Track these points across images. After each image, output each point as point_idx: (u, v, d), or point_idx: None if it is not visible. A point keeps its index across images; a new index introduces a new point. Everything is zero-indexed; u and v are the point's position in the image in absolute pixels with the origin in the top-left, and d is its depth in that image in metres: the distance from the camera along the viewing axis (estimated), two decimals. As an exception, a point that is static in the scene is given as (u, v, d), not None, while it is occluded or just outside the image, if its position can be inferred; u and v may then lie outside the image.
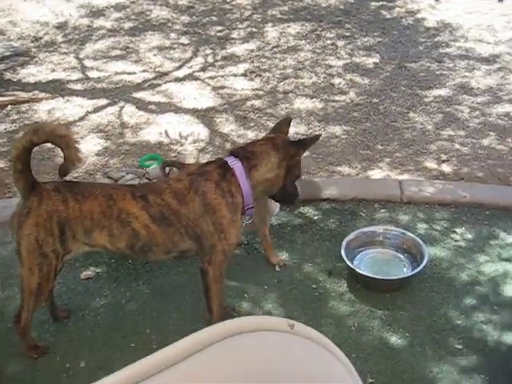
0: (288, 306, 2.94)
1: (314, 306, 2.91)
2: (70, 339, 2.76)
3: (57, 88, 5.61)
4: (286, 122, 2.79)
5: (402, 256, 3.16)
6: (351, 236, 3.14)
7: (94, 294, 3.05)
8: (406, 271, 3.08)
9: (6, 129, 4.88)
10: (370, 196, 3.72)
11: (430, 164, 4.25)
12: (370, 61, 6.00)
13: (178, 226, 2.43)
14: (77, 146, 2.37)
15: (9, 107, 5.22)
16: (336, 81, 5.59)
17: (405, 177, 4.05)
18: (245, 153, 2.55)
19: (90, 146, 4.57)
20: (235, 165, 2.48)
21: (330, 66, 5.91)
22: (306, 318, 2.85)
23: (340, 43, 6.42)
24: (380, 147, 4.49)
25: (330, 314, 2.88)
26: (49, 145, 2.66)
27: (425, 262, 2.98)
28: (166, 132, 4.72)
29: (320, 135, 2.75)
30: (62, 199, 2.37)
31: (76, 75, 5.93)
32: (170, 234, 2.45)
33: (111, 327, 2.79)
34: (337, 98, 5.30)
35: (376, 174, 4.11)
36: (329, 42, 6.48)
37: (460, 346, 2.68)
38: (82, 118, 5.03)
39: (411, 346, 2.69)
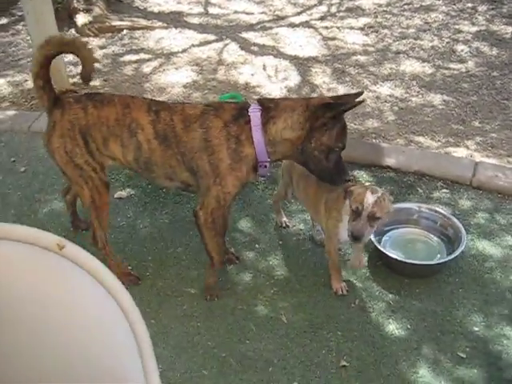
0: (296, 264, 2.79)
1: (323, 271, 2.72)
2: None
3: (174, 19, 5.75)
4: (354, 95, 2.38)
5: (436, 240, 2.82)
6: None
7: (118, 213, 3.14)
8: (438, 258, 2.73)
9: (114, 51, 5.12)
10: (436, 172, 3.34)
11: (530, 152, 3.68)
12: (509, 30, 5.30)
13: (176, 150, 2.34)
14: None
15: (124, 31, 5.46)
16: (459, 47, 5.04)
17: (489, 160, 3.56)
18: (268, 102, 2.34)
19: (180, 78, 4.64)
20: (253, 113, 2.29)
21: (459, 31, 5.32)
22: (308, 281, 2.69)
23: (481, 8, 5.74)
24: (477, 124, 3.99)
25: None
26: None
27: (458, 251, 2.63)
28: (264, 66, 4.68)
29: (359, 102, 2.26)
30: (82, 107, 2.40)
31: (197, 9, 6.02)
32: (168, 156, 2.36)
33: (117, 247, 2.85)
34: (452, 65, 4.78)
35: (458, 151, 3.67)
36: (469, 4, 5.83)
37: (463, 355, 2.35)
38: (184, 50, 5.11)
39: (407, 340, 2.42)
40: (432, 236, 2.85)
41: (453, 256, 2.61)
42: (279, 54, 5.00)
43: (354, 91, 4.35)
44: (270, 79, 4.59)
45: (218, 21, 5.72)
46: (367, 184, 2.77)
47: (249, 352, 2.38)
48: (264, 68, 4.70)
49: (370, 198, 2.25)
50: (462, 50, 5.00)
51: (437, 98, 4.31)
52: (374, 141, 3.79)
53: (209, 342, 2.43)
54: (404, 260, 2.66)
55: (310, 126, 2.26)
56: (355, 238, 2.29)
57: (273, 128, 2.28)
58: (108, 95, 2.47)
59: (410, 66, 4.78)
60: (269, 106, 2.30)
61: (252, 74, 4.68)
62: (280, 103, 2.32)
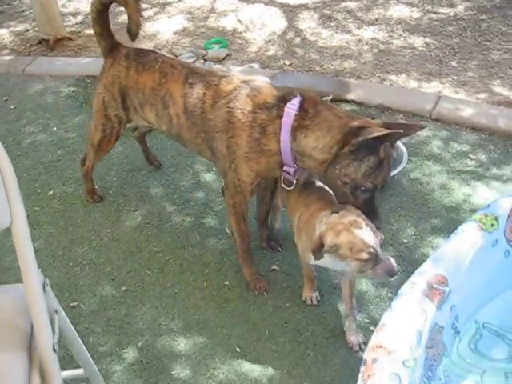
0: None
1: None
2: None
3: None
4: (411, 128, 2.06)
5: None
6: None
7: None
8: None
9: (113, 1, 5.32)
10: (398, 105, 3.45)
11: (499, 89, 3.73)
12: (506, -25, 5.22)
13: (200, 128, 2.22)
14: (136, 3, 2.41)
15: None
16: (453, -9, 5.01)
17: (460, 96, 3.63)
18: (310, 105, 2.01)
19: (172, 25, 4.82)
20: (289, 109, 2.00)
21: (457, -24, 5.28)
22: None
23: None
24: (454, 64, 4.04)
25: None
26: None
27: (396, 171, 2.76)
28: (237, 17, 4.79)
29: (400, 133, 1.90)
30: (126, 66, 2.44)
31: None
32: (193, 132, 2.27)
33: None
34: (441, 10, 4.78)
35: (429, 88, 3.74)
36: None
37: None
38: (179, 0, 5.26)
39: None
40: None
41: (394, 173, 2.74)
42: (270, 2, 5.09)
43: (339, 36, 4.48)
44: (257, 25, 4.71)
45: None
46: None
47: (190, 257, 2.60)
48: (249, 21, 4.81)
49: (368, 235, 1.84)
50: (454, -5, 4.98)
51: (418, 41, 4.35)
52: (346, 79, 3.89)
53: (155, 247, 2.66)
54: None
55: (338, 150, 1.93)
56: (394, 274, 1.89)
57: (302, 140, 2.00)
58: (153, 58, 2.39)
59: (399, 11, 4.80)
60: (307, 111, 2.00)
61: (239, 20, 4.81)
62: (320, 113, 1.99)
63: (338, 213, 1.92)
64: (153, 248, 2.65)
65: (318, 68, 4.11)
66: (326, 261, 1.93)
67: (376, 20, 4.69)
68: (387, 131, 1.84)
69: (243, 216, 2.32)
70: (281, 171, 2.13)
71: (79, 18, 5.07)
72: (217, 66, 4.04)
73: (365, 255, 1.82)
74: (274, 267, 2.51)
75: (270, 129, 2.03)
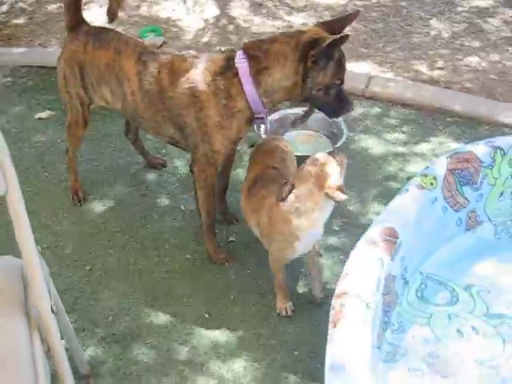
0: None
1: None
2: None
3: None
4: (347, 18, 2.30)
5: (324, 138, 3.15)
6: (275, 116, 3.14)
7: (39, 131, 3.37)
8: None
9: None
10: (333, 86, 3.65)
11: (422, 68, 4.02)
12: (422, -36, 5.58)
13: (161, 106, 2.26)
14: None
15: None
16: (373, -21, 5.30)
17: (388, 75, 3.90)
18: (256, 50, 2.14)
19: (103, 14, 4.78)
20: (241, 64, 2.12)
21: (375, -35, 5.58)
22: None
23: None
24: (380, 47, 4.31)
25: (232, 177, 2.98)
26: None
27: (338, 144, 2.96)
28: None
29: (348, 35, 2.14)
30: (84, 42, 2.44)
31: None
32: (152, 111, 2.30)
33: (37, 158, 3.12)
34: (364, -4, 5.06)
35: (358, 69, 3.98)
36: None
37: (337, 228, 2.70)
38: (109, -11, 5.24)
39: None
40: (321, 135, 3.17)
41: (332, 147, 2.94)
42: (202, -10, 5.19)
43: (269, 23, 4.65)
44: (189, 13, 4.79)
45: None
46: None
47: (150, 235, 2.69)
48: (184, 1, 4.90)
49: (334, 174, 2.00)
50: None
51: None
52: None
53: (114, 227, 2.72)
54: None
55: (303, 68, 2.10)
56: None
57: (268, 79, 2.13)
58: (111, 36, 2.42)
59: (326, -3, 5.04)
60: (256, 55, 2.12)
61: (173, 10, 4.87)
62: (270, 50, 2.12)
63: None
64: (112, 229, 2.72)
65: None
66: (302, 226, 2.00)
67: (305, 7, 4.90)
68: (336, 37, 2.05)
69: (213, 189, 2.40)
70: (247, 129, 2.29)
71: (4, 8, 4.96)
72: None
73: (337, 195, 1.95)
74: (232, 239, 2.64)
75: (233, 90, 2.14)
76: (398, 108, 3.53)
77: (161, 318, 2.31)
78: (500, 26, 4.56)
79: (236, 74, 2.13)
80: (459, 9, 4.83)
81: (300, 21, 4.67)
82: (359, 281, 1.82)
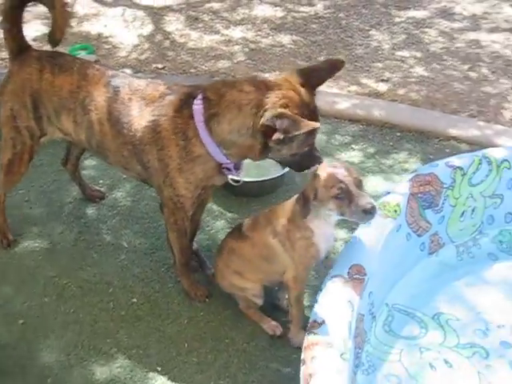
0: (139, 195, 2.85)
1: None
2: None
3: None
4: (330, 69, 1.99)
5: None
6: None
7: None
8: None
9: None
10: (278, 104, 3.50)
11: (367, 81, 3.95)
12: (355, -25, 5.55)
13: (127, 139, 2.02)
14: (65, 8, 2.20)
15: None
16: (309, -8, 5.23)
17: (333, 90, 3.79)
18: (213, 92, 1.89)
19: (29, 32, 4.43)
20: (197, 105, 1.89)
21: (309, -23, 5.51)
22: (149, 208, 2.75)
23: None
24: (321, 59, 4.19)
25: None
26: None
27: (287, 169, 2.79)
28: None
29: (318, 128, 1.85)
30: (39, 68, 2.16)
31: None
32: (119, 143, 2.06)
33: None
34: (302, 8, 4.97)
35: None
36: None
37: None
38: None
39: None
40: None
41: (281, 173, 2.77)
42: (133, 5, 4.95)
43: (208, 37, 4.46)
44: (123, 29, 4.54)
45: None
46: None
47: (90, 277, 2.43)
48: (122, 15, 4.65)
49: (340, 171, 1.87)
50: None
51: (286, 39, 4.48)
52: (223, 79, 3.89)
53: (50, 272, 2.45)
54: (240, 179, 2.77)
55: (264, 138, 1.83)
56: (371, 212, 1.81)
57: (217, 128, 1.88)
58: (70, 59, 2.21)
59: (263, 10, 4.91)
60: (211, 98, 1.88)
61: (105, 25, 4.61)
62: (225, 95, 1.87)
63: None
64: (47, 273, 2.44)
65: (192, 70, 4.07)
66: (318, 225, 1.93)
67: (242, 20, 4.75)
68: (313, 126, 1.77)
69: (185, 231, 2.18)
70: (221, 176, 2.03)
71: None
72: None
73: (335, 190, 1.82)
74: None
75: (190, 132, 1.91)
76: (347, 124, 3.43)
77: (108, 375, 2.06)
78: (437, 37, 4.57)
79: (191, 116, 1.91)
80: (397, 19, 4.82)
81: (239, 34, 4.51)
82: (330, 329, 1.65)
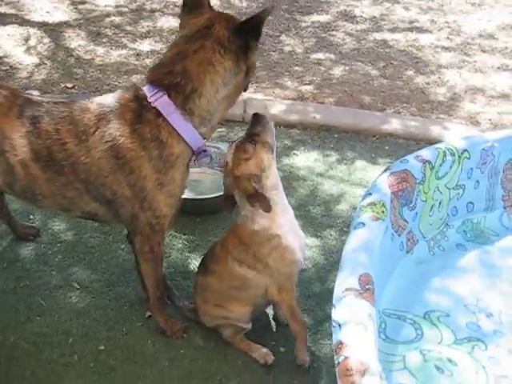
0: (79, 226, 2.53)
1: (110, 228, 2.51)
2: None
3: None
4: (268, 12, 1.75)
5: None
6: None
7: None
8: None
9: None
10: (210, 115, 3.31)
11: (291, 85, 3.89)
12: (254, -16, 5.51)
13: (72, 178, 1.73)
14: None
15: None
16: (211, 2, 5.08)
17: (258, 96, 3.68)
18: (169, 77, 1.69)
19: None
20: (158, 100, 1.68)
21: (209, -13, 5.38)
22: (96, 240, 2.45)
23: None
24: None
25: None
26: None
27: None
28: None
29: (272, 7, 1.82)
30: None
31: None
32: (59, 185, 1.76)
33: None
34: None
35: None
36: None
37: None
38: None
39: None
40: (213, 171, 2.80)
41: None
42: (25, 22, 4.53)
43: (115, 52, 4.17)
44: (18, 48, 4.13)
45: None
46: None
47: (42, 329, 2.09)
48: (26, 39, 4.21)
49: (228, 154, 1.80)
50: (215, 4, 5.06)
51: (198, 49, 4.30)
52: (143, 95, 3.63)
53: (-10, 330, 2.07)
54: (188, 197, 2.55)
55: (246, 61, 1.73)
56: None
57: (202, 102, 1.71)
58: None
59: (167, 22, 4.71)
60: (174, 82, 1.68)
61: (-3, 46, 4.17)
62: (187, 68, 1.68)
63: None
64: (-12, 333, 2.07)
65: (105, 87, 3.77)
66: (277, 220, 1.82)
67: (148, 33, 4.52)
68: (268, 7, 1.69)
69: (161, 258, 1.96)
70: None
71: None
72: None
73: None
74: (149, 313, 2.15)
75: (163, 134, 1.70)
76: (284, 129, 3.32)
77: None
78: (345, 39, 4.64)
79: (158, 115, 1.68)
80: (303, 24, 4.83)
81: (147, 48, 4.28)
82: (361, 350, 1.49)
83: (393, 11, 5.23)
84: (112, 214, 1.82)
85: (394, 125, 3.37)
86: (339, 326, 1.56)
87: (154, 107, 1.69)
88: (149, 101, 1.68)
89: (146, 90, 1.71)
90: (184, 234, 2.52)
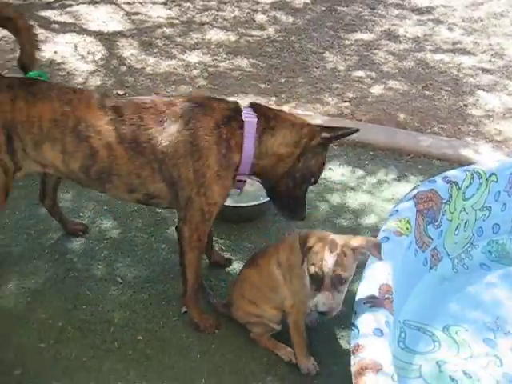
0: (125, 225, 2.73)
1: (153, 228, 2.71)
2: None
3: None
4: (346, 128, 2.20)
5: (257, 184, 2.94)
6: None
7: None
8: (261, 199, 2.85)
9: None
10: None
11: (331, 101, 4.03)
12: (301, 0, 5.69)
13: (151, 157, 1.99)
14: (31, 31, 2.09)
15: None
16: (259, 17, 5.30)
17: (298, 111, 3.83)
18: (267, 111, 2.10)
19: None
20: (249, 118, 2.04)
21: (257, 3, 5.60)
22: (139, 239, 2.65)
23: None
24: (283, 82, 4.25)
25: (166, 236, 2.68)
26: None
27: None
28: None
29: (357, 130, 2.13)
30: (11, 97, 1.98)
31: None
32: (138, 165, 2.00)
33: None
34: (254, 32, 5.02)
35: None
36: (263, -22, 6.13)
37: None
38: (-26, 32, 4.66)
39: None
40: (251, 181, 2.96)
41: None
42: (82, 31, 4.82)
43: (165, 63, 4.40)
44: (75, 55, 4.40)
45: (10, 0, 5.31)
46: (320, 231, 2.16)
47: (87, 317, 2.29)
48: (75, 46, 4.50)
49: (329, 259, 1.77)
50: (262, 19, 5.27)
51: (244, 62, 4.50)
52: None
53: (43, 314, 2.28)
54: (229, 205, 2.71)
55: (305, 144, 2.06)
56: (322, 313, 1.80)
57: (270, 140, 2.06)
58: (46, 86, 2.05)
59: (215, 35, 4.92)
60: (267, 115, 2.08)
61: (55, 52, 4.45)
62: (280, 115, 2.11)
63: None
64: (40, 315, 2.27)
65: (154, 95, 3.98)
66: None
67: (196, 44, 4.73)
68: (351, 131, 2.11)
69: (204, 249, 2.21)
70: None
71: None
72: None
73: (313, 270, 1.79)
74: (185, 309, 2.32)
75: (233, 142, 2.02)
76: (320, 145, 3.45)
77: (124, 420, 1.93)
78: (387, 58, 4.74)
79: (241, 127, 2.03)
80: (347, 42, 4.96)
81: (195, 59, 4.49)
82: (376, 352, 1.62)
83: (436, 32, 5.30)
84: (172, 195, 2.07)
85: (429, 145, 3.47)
86: (358, 330, 1.70)
87: (242, 121, 2.03)
88: (242, 116, 2.04)
89: (245, 109, 2.08)
90: (221, 239, 2.69)
